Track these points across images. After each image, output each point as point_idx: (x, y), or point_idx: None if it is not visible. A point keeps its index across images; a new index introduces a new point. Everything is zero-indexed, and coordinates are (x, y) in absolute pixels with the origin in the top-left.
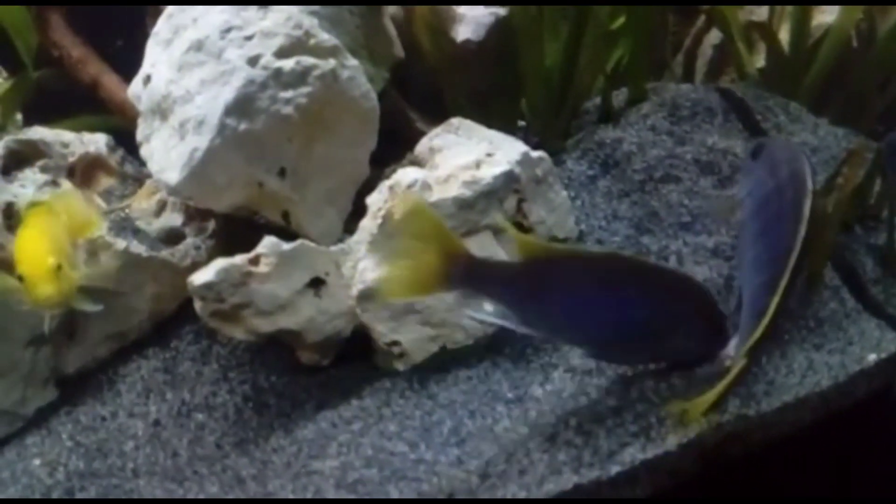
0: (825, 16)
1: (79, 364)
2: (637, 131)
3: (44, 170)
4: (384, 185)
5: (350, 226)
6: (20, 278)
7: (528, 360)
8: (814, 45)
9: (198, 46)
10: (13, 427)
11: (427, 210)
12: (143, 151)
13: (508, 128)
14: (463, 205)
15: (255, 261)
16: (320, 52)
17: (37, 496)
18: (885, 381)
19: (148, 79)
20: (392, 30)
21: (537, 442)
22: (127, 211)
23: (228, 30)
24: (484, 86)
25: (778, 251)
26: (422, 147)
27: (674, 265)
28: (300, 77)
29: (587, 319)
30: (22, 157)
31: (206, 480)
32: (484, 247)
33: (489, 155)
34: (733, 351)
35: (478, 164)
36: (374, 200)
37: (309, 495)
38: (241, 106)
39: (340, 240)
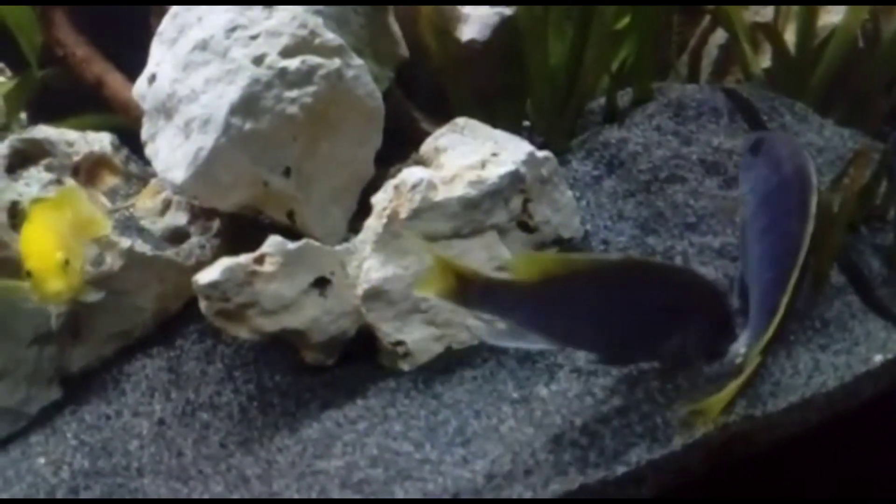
0: (831, 16)
1: (83, 363)
2: (642, 131)
3: (48, 169)
4: (389, 185)
5: (355, 225)
6: (28, 273)
7: (533, 360)
8: (819, 45)
9: (203, 45)
10: (17, 426)
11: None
12: (148, 150)
13: (513, 128)
14: (468, 204)
15: (259, 260)
16: (325, 51)
17: (41, 495)
18: (891, 382)
19: (153, 78)
20: (397, 29)
21: (543, 442)
22: (131, 210)
23: (233, 29)
24: (489, 86)
25: (786, 247)
26: (427, 147)
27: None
28: (305, 76)
29: (602, 328)
30: (26, 156)
31: (211, 480)
32: (489, 247)
33: (494, 155)
34: (743, 348)
35: (483, 164)
36: (380, 200)
37: (314, 495)
38: (247, 105)
39: (345, 239)
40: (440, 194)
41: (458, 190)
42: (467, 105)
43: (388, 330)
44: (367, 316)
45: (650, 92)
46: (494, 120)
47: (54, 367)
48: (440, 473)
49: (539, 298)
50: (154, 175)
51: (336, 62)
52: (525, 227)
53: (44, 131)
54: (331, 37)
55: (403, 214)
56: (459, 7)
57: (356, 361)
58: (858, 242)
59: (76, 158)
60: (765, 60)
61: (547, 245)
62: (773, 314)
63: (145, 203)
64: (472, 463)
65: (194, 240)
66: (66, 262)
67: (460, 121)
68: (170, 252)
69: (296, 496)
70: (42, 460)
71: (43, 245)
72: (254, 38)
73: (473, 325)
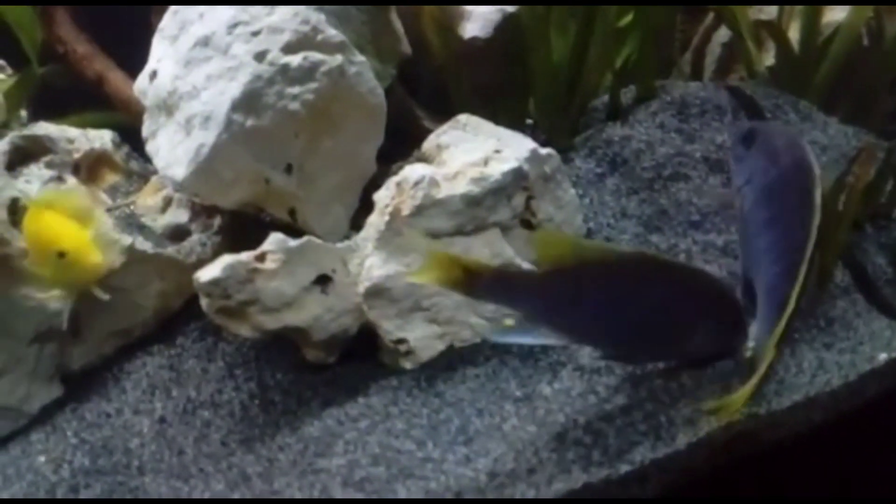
0: (835, 13)
1: (84, 361)
2: (646, 129)
3: (49, 166)
4: (391, 182)
5: (357, 222)
6: (61, 255)
7: (536, 358)
8: (824, 43)
9: (204, 42)
10: (18, 424)
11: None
12: (149, 147)
13: (516, 125)
14: (471, 202)
15: (261, 257)
16: (327, 47)
17: (41, 493)
18: None
19: (154, 74)
20: (399, 26)
21: (546, 440)
22: (132, 207)
23: (235, 25)
24: (491, 83)
25: (792, 240)
26: (429, 144)
27: None
28: (307, 73)
29: (612, 324)
30: (27, 154)
31: (212, 478)
32: (491, 244)
33: (497, 152)
34: (754, 341)
35: (486, 161)
36: (382, 197)
37: (315, 494)
38: (248, 102)
39: (347, 237)
40: (443, 191)
41: (461, 187)
42: (469, 102)
43: (390, 328)
44: (369, 314)
45: (653, 89)
46: (497, 117)
47: (55, 364)
48: (442, 472)
49: (548, 290)
50: (155, 172)
51: (338, 59)
52: (528, 224)
53: (44, 128)
54: (333, 33)
55: (406, 212)
56: (462, 4)
57: (358, 359)
58: (863, 241)
59: (77, 156)
60: (768, 58)
61: None
62: (782, 307)
63: (146, 200)
64: (474, 461)
65: (195, 237)
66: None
67: (462, 118)
68: (171, 250)
69: (297, 495)
70: (42, 458)
71: (68, 226)
72: (255, 34)
73: (476, 323)
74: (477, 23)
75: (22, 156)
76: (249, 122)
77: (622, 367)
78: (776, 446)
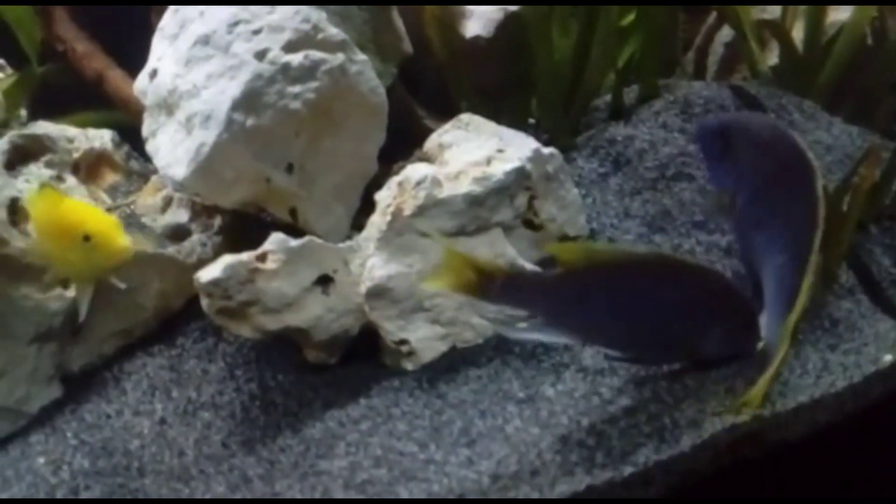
0: (839, 13)
1: (84, 361)
2: (649, 129)
3: (48, 165)
4: (393, 181)
5: (358, 222)
6: (87, 238)
7: (538, 359)
8: (828, 42)
9: (205, 40)
10: (17, 425)
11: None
12: (149, 147)
13: (518, 125)
14: (473, 201)
15: (262, 258)
16: (328, 46)
17: (41, 495)
18: None
19: (154, 73)
20: (401, 25)
21: (549, 442)
22: (132, 207)
23: (236, 24)
24: (493, 82)
25: (796, 232)
26: (431, 143)
27: None
28: (308, 72)
29: (629, 325)
30: (27, 153)
31: (213, 480)
32: (494, 244)
33: (500, 151)
34: (765, 333)
35: (488, 161)
36: (383, 197)
37: (317, 495)
38: (249, 100)
39: (348, 237)
40: (445, 191)
41: (463, 187)
42: (471, 101)
43: (392, 328)
44: (371, 314)
45: (656, 89)
46: (499, 116)
47: (54, 365)
48: (445, 474)
49: (562, 292)
50: (155, 172)
51: (339, 57)
52: (530, 224)
53: (44, 127)
54: (334, 32)
55: (407, 211)
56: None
57: (359, 360)
58: (868, 241)
59: (76, 155)
60: (771, 58)
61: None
62: (792, 298)
63: (146, 200)
64: (477, 463)
65: (196, 237)
66: None
67: (465, 117)
68: (171, 249)
69: (298, 497)
70: (42, 460)
71: (90, 210)
72: (256, 32)
73: (478, 324)
74: (479, 22)
75: (21, 155)
76: (250, 122)
77: (625, 369)
78: (781, 448)
